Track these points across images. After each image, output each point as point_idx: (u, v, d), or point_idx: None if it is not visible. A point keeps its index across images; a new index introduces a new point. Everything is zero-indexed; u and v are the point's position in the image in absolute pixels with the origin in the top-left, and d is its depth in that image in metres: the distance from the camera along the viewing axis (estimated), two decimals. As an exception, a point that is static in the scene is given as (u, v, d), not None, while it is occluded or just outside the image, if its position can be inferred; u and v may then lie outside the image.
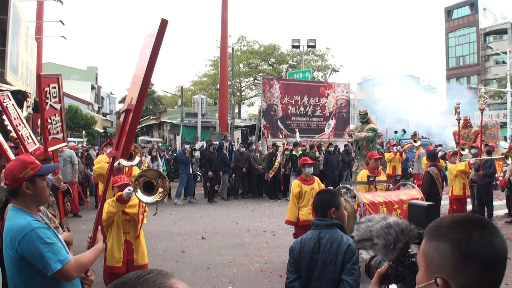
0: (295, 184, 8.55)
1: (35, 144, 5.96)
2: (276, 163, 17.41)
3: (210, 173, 16.92)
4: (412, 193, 8.71)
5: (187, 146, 17.73)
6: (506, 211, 13.55)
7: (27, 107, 10.94)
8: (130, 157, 7.29)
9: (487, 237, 1.38)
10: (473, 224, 1.42)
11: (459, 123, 14.72)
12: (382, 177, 9.45)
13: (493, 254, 1.35)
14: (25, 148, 5.54)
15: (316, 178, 8.86)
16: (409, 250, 1.92)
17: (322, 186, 9.03)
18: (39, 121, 12.48)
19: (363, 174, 9.26)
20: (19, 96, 15.39)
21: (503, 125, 37.55)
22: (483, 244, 1.36)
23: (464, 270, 1.35)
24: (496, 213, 13.60)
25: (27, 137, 5.75)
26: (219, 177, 17.91)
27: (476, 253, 1.35)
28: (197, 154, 18.14)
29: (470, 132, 16.39)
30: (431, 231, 1.48)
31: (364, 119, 16.36)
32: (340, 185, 9.74)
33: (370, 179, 8.80)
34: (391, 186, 9.33)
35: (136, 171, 7.94)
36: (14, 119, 5.67)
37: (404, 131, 32.62)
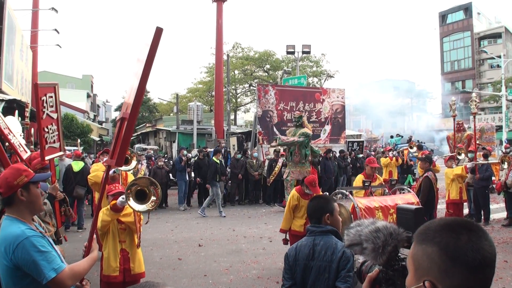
0: (293, 197, 8.18)
1: (26, 152, 5.97)
2: (276, 169, 17.37)
3: (198, 179, 17.00)
4: (407, 198, 8.75)
5: (185, 152, 17.76)
6: (503, 214, 13.57)
7: (25, 116, 10.99)
8: (126, 162, 7.31)
9: (474, 241, 1.38)
10: (461, 228, 1.42)
11: (454, 119, 14.78)
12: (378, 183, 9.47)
13: (480, 258, 1.36)
14: (20, 156, 5.55)
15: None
16: (399, 254, 1.93)
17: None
18: (32, 130, 12.50)
19: (358, 179, 9.25)
20: (14, 105, 15.41)
21: (499, 128, 37.68)
22: (470, 247, 1.36)
23: (452, 273, 1.36)
24: (493, 216, 13.62)
25: (18, 145, 5.76)
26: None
27: (463, 256, 1.35)
28: (192, 161, 18.14)
29: (463, 136, 16.46)
30: (420, 234, 1.48)
31: (298, 122, 16.21)
32: (336, 190, 9.72)
33: (365, 184, 8.81)
34: (387, 191, 9.34)
35: (131, 179, 7.94)
36: (4, 128, 5.68)
37: (399, 135, 32.67)
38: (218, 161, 16.16)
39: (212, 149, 20.26)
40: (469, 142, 15.72)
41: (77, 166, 13.05)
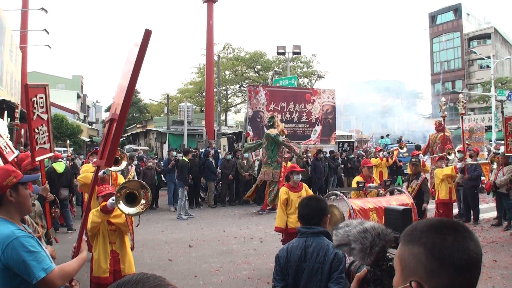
0: (282, 191, 8.43)
1: (14, 153, 5.93)
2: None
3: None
4: (402, 199, 8.68)
5: (174, 153, 17.72)
6: (492, 214, 13.65)
7: (15, 117, 10.93)
8: (116, 162, 7.30)
9: (460, 241, 1.39)
10: (447, 228, 1.43)
11: (444, 120, 14.85)
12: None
13: (466, 258, 1.37)
14: (5, 158, 5.52)
15: (304, 185, 8.67)
16: (387, 254, 1.94)
17: (311, 192, 8.87)
18: (22, 131, 12.44)
19: (355, 181, 9.25)
20: (4, 106, 15.33)
21: (488, 128, 37.87)
22: (456, 248, 1.37)
23: (438, 274, 1.37)
24: (482, 216, 13.69)
25: (5, 146, 5.72)
26: (203, 184, 17.95)
27: (449, 257, 1.36)
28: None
29: (437, 137, 16.54)
30: (406, 235, 1.49)
31: (270, 123, 16.25)
32: (329, 191, 9.70)
33: (360, 185, 8.78)
34: (382, 192, 9.29)
35: (121, 180, 7.94)
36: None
37: (388, 135, 32.72)
38: (187, 161, 16.08)
39: (202, 150, 20.26)
40: (442, 142, 15.79)
41: (59, 167, 12.90)
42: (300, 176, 8.59)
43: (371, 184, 9.20)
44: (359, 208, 7.82)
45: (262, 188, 17.37)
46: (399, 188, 10.07)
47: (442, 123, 15.37)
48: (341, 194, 8.53)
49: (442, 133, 15.54)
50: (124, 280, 1.42)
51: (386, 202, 8.20)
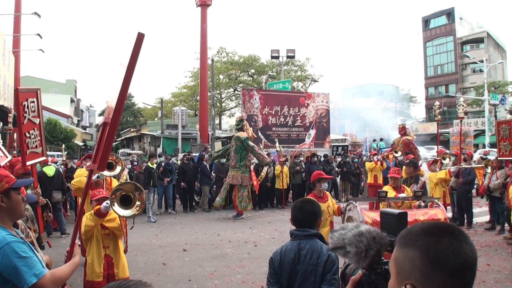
0: None
1: (7, 157, 5.90)
2: (262, 173, 17.18)
3: (182, 184, 16.92)
4: (433, 213, 7.85)
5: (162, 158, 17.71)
6: (486, 218, 13.66)
7: (8, 122, 10.91)
8: (111, 167, 7.28)
9: (455, 244, 1.38)
10: (442, 231, 1.43)
11: (438, 124, 14.84)
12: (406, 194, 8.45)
13: (461, 261, 1.36)
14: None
15: (328, 194, 7.76)
16: (382, 258, 1.94)
17: (334, 202, 7.78)
18: (15, 135, 12.42)
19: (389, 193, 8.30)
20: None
21: (481, 132, 38.01)
22: (451, 251, 1.37)
23: (433, 277, 1.36)
24: (476, 220, 13.70)
25: (-3, 152, 5.70)
26: (197, 188, 17.89)
27: (444, 260, 1.36)
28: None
29: (400, 141, 16.60)
30: (402, 238, 1.49)
31: (238, 126, 16.22)
32: (348, 200, 9.35)
33: (381, 195, 8.01)
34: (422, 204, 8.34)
35: (115, 184, 7.91)
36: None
37: (381, 139, 32.75)
38: (153, 166, 15.94)
39: (197, 154, 20.22)
40: (406, 147, 15.84)
41: (50, 171, 12.81)
42: (327, 185, 7.82)
43: (401, 194, 8.31)
44: (372, 220, 7.23)
45: (259, 190, 17.27)
46: (435, 200, 8.92)
47: (406, 127, 15.46)
48: (356, 204, 8.00)
49: (403, 138, 15.64)
50: (105, 287, 1.40)
51: (411, 216, 7.07)
